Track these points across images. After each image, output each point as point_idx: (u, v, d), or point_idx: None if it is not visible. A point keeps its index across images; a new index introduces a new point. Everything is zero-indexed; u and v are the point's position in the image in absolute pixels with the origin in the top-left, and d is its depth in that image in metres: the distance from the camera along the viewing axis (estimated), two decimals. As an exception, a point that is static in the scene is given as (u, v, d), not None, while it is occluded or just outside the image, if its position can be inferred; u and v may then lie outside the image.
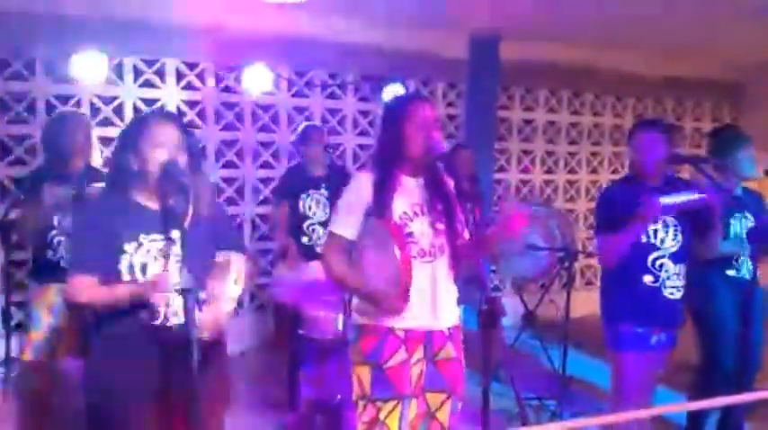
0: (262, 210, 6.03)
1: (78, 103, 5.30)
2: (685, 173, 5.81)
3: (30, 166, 4.87)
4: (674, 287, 3.25)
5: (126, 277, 2.34)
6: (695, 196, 3.16)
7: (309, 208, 4.45)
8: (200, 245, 2.42)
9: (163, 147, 2.36)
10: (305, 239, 4.45)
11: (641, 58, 6.62)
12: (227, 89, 5.83)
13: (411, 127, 2.64)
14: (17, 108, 5.14)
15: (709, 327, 3.73)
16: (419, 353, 2.68)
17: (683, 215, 3.24)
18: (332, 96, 6.29)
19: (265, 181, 6.02)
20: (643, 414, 3.12)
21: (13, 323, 4.61)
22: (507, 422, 3.63)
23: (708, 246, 3.39)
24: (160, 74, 5.60)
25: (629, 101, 7.80)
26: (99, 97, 5.40)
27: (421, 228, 2.66)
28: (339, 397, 4.09)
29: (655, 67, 7.03)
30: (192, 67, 5.70)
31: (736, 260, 3.72)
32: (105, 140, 5.37)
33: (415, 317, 2.62)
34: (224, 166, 5.91)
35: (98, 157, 3.80)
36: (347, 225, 2.68)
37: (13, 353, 4.14)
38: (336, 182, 4.30)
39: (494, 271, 5.02)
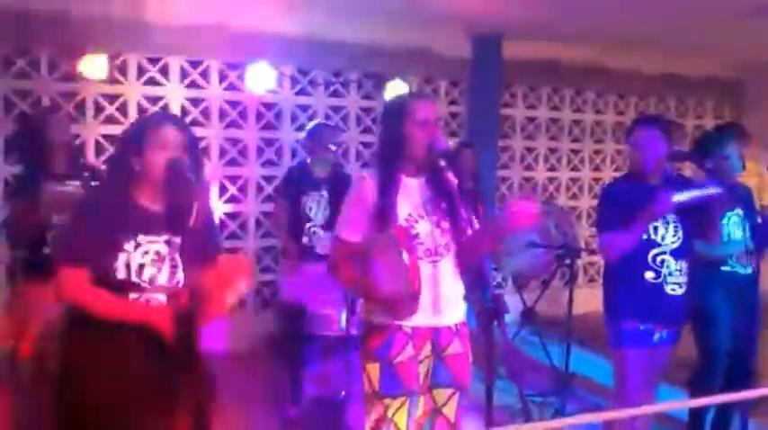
0: (265, 208, 6.05)
1: (82, 101, 5.33)
2: (686, 170, 5.82)
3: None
4: (675, 283, 3.26)
5: (121, 274, 2.32)
6: (705, 192, 3.18)
7: (310, 209, 4.45)
8: (201, 246, 2.42)
9: (167, 150, 2.36)
10: (305, 240, 4.46)
11: (643, 56, 6.62)
12: (230, 87, 5.85)
13: (412, 125, 2.64)
14: (22, 106, 5.17)
15: (704, 325, 3.75)
16: (426, 350, 2.69)
17: (682, 211, 3.26)
18: (335, 94, 6.30)
19: (268, 179, 6.04)
20: (645, 411, 3.13)
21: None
22: (510, 418, 3.63)
23: (707, 242, 3.42)
24: (164, 72, 5.62)
25: (632, 99, 7.81)
26: (103, 95, 5.42)
27: (427, 229, 2.67)
28: (343, 393, 4.12)
29: (657, 65, 7.04)
30: (195, 65, 5.72)
31: (732, 256, 3.74)
32: (109, 138, 5.43)
33: (421, 314, 2.63)
34: (227, 164, 5.93)
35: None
36: (353, 230, 2.68)
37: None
38: (338, 184, 4.30)
39: (495, 268, 5.03)
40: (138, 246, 2.35)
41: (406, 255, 2.47)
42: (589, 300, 5.03)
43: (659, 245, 3.23)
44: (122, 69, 5.44)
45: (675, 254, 3.25)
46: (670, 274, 3.24)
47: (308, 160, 4.61)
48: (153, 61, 5.57)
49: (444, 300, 2.68)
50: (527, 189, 7.23)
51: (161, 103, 5.60)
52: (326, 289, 4.18)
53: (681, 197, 3.12)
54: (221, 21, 5.08)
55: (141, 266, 2.35)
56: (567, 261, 4.84)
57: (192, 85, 5.72)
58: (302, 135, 5.00)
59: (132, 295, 2.35)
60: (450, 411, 2.75)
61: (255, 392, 4.71)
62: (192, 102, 5.74)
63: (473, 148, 4.97)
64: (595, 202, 3.95)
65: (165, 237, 2.38)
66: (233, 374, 4.63)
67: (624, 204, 3.20)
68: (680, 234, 3.27)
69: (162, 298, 2.37)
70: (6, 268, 4.40)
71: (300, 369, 4.51)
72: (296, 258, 4.40)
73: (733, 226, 3.74)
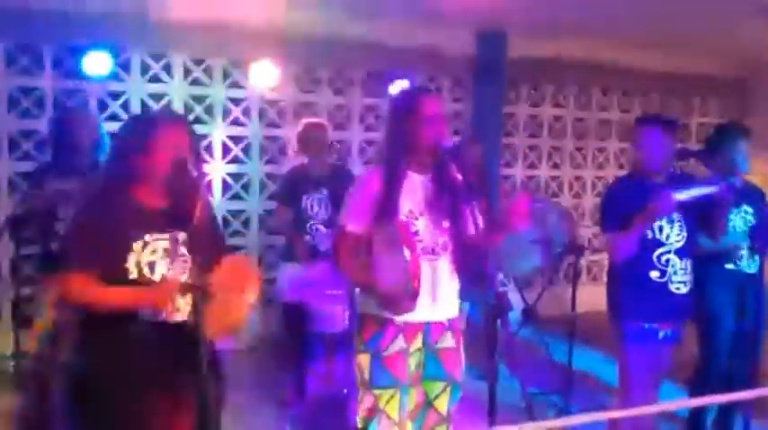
0: (268, 206, 6.05)
1: (86, 99, 5.33)
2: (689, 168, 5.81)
3: (37, 162, 4.90)
4: (680, 282, 3.25)
5: (133, 274, 2.34)
6: (707, 189, 3.17)
7: (312, 207, 4.47)
8: (206, 244, 2.43)
9: (175, 150, 2.37)
10: (307, 238, 4.47)
11: (648, 55, 6.60)
12: (233, 85, 5.84)
13: (419, 121, 2.63)
14: (25, 103, 5.17)
15: (705, 323, 3.74)
16: (417, 343, 2.71)
17: (686, 210, 3.25)
18: (338, 92, 6.30)
19: (272, 176, 6.04)
20: (649, 410, 3.13)
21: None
22: (514, 416, 3.63)
23: (711, 238, 3.41)
24: (167, 69, 5.62)
25: (636, 97, 7.79)
26: (106, 92, 5.42)
27: (426, 227, 2.68)
28: (346, 391, 4.12)
29: (661, 64, 7.01)
30: (198, 62, 5.72)
31: (737, 254, 3.72)
32: (112, 136, 5.42)
33: (416, 311, 2.63)
34: (230, 162, 5.93)
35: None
36: (357, 222, 2.68)
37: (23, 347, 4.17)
38: (338, 181, 4.30)
39: (498, 267, 5.02)
40: (145, 244, 2.37)
41: (407, 253, 2.48)
42: (592, 298, 5.02)
43: (664, 244, 3.23)
44: (125, 67, 5.44)
45: (680, 252, 3.24)
46: (675, 273, 3.24)
47: (306, 160, 4.62)
48: (156, 58, 5.57)
49: (439, 297, 2.69)
50: (525, 188, 7.22)
51: (164, 101, 5.60)
52: (330, 286, 4.19)
53: (682, 195, 3.11)
54: (225, 18, 5.07)
55: (152, 264, 2.36)
56: (568, 259, 4.82)
57: (195, 82, 5.72)
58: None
59: None
60: (441, 404, 2.78)
61: (258, 390, 4.71)
62: (196, 99, 5.74)
63: (479, 144, 4.98)
64: (598, 201, 3.94)
65: (170, 234, 2.39)
66: (236, 372, 4.62)
67: (627, 204, 3.19)
68: (684, 233, 3.26)
69: (177, 295, 2.37)
70: (11, 264, 4.41)
71: (303, 366, 4.51)
72: (300, 256, 4.41)
73: (739, 223, 3.72)
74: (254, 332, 5.56)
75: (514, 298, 5.24)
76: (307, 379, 4.52)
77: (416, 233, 2.65)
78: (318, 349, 4.38)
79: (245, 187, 6.01)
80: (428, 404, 2.79)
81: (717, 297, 3.70)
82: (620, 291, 3.34)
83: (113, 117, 5.41)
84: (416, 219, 2.67)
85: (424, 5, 4.84)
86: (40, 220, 3.61)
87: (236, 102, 5.88)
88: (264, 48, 5.42)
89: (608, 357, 3.64)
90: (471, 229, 2.62)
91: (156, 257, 2.37)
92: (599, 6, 4.78)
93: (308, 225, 4.46)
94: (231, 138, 5.91)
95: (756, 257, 3.75)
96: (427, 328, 2.72)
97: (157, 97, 5.59)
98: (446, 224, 2.70)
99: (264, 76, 5.45)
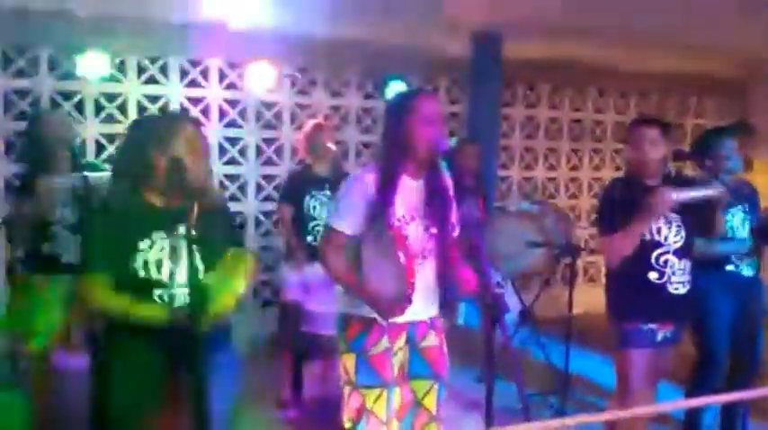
0: (264, 208, 6.05)
1: (82, 100, 5.32)
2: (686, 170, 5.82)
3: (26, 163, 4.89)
4: (679, 282, 3.25)
5: (142, 273, 2.37)
6: (707, 191, 3.18)
7: (314, 208, 4.46)
8: (210, 240, 2.45)
9: (195, 152, 2.41)
10: (309, 239, 4.47)
11: (644, 56, 6.61)
12: (230, 86, 5.84)
13: (417, 122, 2.62)
14: (21, 105, 5.17)
15: (704, 325, 3.74)
16: (401, 342, 2.73)
17: (684, 211, 3.25)
18: (335, 94, 6.30)
19: (268, 178, 6.04)
20: (646, 411, 3.13)
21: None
22: (510, 418, 3.63)
23: (708, 238, 3.42)
24: (164, 71, 5.62)
25: (632, 98, 7.81)
26: (103, 94, 5.42)
27: (415, 232, 2.68)
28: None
29: (657, 64, 7.03)
30: (195, 64, 5.72)
31: (735, 255, 3.73)
32: (109, 137, 5.43)
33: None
34: (227, 163, 5.93)
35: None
36: (347, 222, 2.67)
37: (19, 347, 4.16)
38: (341, 181, 4.29)
39: (495, 268, 5.03)
40: (152, 243, 2.39)
41: (401, 257, 2.48)
42: (588, 299, 5.03)
43: (662, 245, 3.22)
44: (122, 68, 5.44)
45: (678, 253, 3.24)
46: (673, 274, 3.23)
47: (309, 160, 4.61)
48: (153, 60, 5.57)
49: (423, 298, 2.69)
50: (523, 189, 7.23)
51: (160, 102, 5.60)
52: (328, 287, 4.17)
53: (680, 196, 3.11)
54: (221, 20, 5.07)
55: (159, 262, 2.38)
56: (564, 260, 4.83)
57: (192, 84, 5.72)
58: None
59: (157, 292, 2.39)
60: (430, 403, 2.80)
61: (257, 392, 4.70)
62: (192, 101, 5.74)
63: (476, 145, 4.98)
64: (595, 202, 3.95)
65: (176, 232, 2.40)
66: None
67: (623, 206, 3.19)
68: (682, 233, 3.26)
69: (186, 292, 2.38)
70: (6, 266, 4.40)
71: (301, 368, 4.51)
72: (301, 257, 4.40)
73: (737, 223, 3.73)
74: (251, 333, 5.56)
75: (511, 300, 5.25)
76: (304, 380, 4.53)
77: (407, 238, 2.65)
78: (315, 350, 4.38)
79: (242, 189, 6.01)
80: (417, 403, 2.80)
81: (716, 298, 3.70)
82: (619, 293, 3.34)
83: (110, 119, 5.40)
84: (407, 223, 2.67)
85: (420, 7, 4.84)
86: (32, 223, 3.60)
87: (232, 103, 5.88)
88: (261, 49, 5.43)
89: (605, 358, 3.64)
90: (455, 233, 2.68)
91: (162, 255, 2.40)
92: (595, 8, 4.79)
93: (311, 226, 4.46)
94: (227, 139, 5.91)
95: (755, 258, 3.75)
96: (411, 328, 2.74)
97: (154, 99, 5.59)
98: (434, 230, 2.71)
99: (261, 78, 5.45)
